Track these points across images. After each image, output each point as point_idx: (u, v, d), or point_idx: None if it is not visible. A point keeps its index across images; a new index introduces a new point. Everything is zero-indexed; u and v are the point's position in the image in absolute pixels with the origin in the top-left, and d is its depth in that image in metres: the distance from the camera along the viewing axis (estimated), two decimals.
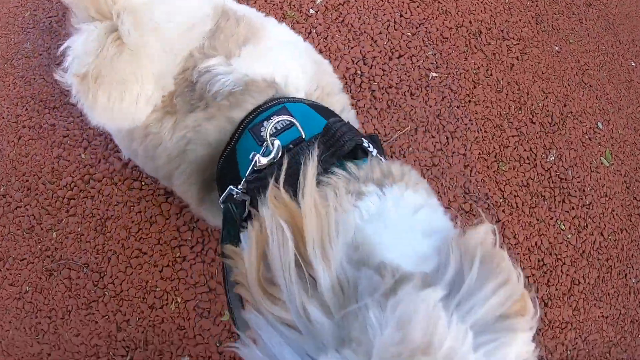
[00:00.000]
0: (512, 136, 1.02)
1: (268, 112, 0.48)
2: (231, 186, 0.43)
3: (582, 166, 1.12)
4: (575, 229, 1.04)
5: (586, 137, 1.17)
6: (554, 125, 1.10)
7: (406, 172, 0.41)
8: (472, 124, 0.97)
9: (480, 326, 0.29)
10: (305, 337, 0.28)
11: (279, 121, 0.45)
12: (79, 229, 0.94)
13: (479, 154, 0.95)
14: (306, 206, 0.29)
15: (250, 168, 0.43)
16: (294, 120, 0.45)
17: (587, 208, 1.08)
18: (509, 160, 1.00)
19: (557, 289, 0.98)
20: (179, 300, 0.84)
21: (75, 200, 0.96)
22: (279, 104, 0.49)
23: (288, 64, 0.55)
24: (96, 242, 0.91)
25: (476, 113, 0.99)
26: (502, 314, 0.30)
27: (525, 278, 0.99)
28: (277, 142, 0.43)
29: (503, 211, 0.96)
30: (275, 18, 0.62)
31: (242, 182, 0.43)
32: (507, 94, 1.08)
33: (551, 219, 1.00)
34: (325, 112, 0.51)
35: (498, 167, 0.98)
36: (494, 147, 0.99)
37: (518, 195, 0.98)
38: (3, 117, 1.08)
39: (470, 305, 0.29)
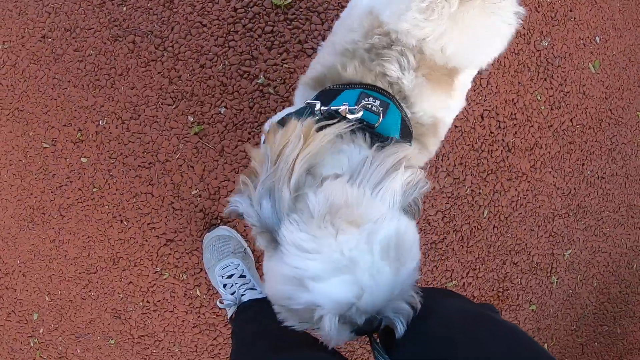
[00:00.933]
0: None
1: (378, 95, 0.66)
2: (318, 102, 0.64)
3: (570, 62, 1.42)
4: (549, 104, 1.35)
5: (581, 42, 1.46)
6: (555, 20, 1.39)
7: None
8: None
9: (375, 184, 0.52)
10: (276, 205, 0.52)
11: (374, 106, 0.64)
12: (148, 5, 1.24)
13: None
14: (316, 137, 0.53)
15: (335, 108, 0.63)
16: (381, 116, 0.64)
17: (564, 94, 1.39)
18: None
19: (521, 142, 1.30)
20: (227, 62, 1.15)
21: None
22: (389, 99, 0.66)
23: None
24: (162, 15, 1.21)
25: None
26: (387, 171, 0.52)
27: (497, 122, 1.31)
28: (360, 114, 0.63)
29: (492, 64, 1.26)
30: None
31: (325, 109, 0.63)
32: None
33: (531, 87, 1.31)
34: (406, 133, 0.68)
35: None
36: None
37: (507, 58, 1.28)
38: None
39: (367, 178, 0.52)
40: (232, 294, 1.05)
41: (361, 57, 0.69)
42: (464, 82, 0.80)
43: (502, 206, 1.26)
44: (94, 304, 1.29)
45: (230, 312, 1.06)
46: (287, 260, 0.50)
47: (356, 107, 0.64)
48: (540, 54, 1.35)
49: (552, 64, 1.37)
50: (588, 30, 1.48)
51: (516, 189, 1.28)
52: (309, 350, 0.73)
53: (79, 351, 1.34)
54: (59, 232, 1.29)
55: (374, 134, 0.63)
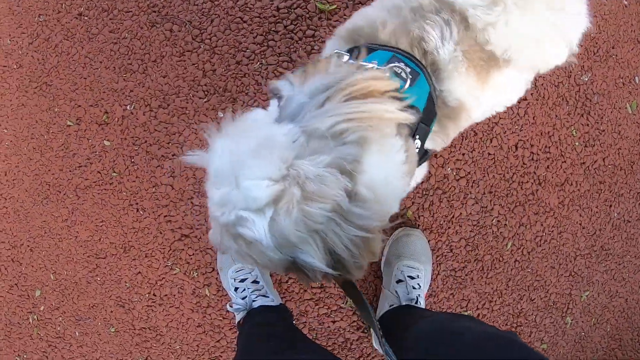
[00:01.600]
0: None
1: (410, 62, 0.63)
2: (347, 55, 0.60)
3: (608, 100, 1.38)
4: (584, 141, 1.31)
5: (620, 81, 1.43)
6: (597, 56, 1.36)
7: None
8: None
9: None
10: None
11: (404, 71, 0.62)
12: None
13: None
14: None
15: (363, 63, 0.59)
16: (407, 84, 0.61)
17: (599, 132, 1.35)
18: None
19: (552, 177, 1.26)
20: (264, 62, 1.12)
21: None
22: (420, 69, 0.63)
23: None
24: (203, 6, 1.19)
25: None
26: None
27: (530, 154, 1.27)
28: (388, 74, 0.59)
29: (531, 94, 1.22)
30: None
31: (352, 62, 0.58)
32: None
33: (567, 121, 1.27)
34: (430, 109, 0.65)
35: None
36: None
37: (547, 90, 1.24)
38: None
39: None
40: (242, 298, 1.02)
41: (404, 16, 0.65)
42: (501, 83, 0.72)
43: (526, 240, 1.22)
44: (99, 290, 1.27)
45: (239, 317, 1.03)
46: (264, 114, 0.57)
47: (384, 67, 0.60)
48: (579, 89, 1.32)
49: (590, 100, 1.33)
50: (628, 69, 1.44)
51: (542, 224, 1.24)
52: (315, 353, 0.71)
53: (77, 334, 1.31)
54: (72, 212, 1.27)
55: None
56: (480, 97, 0.70)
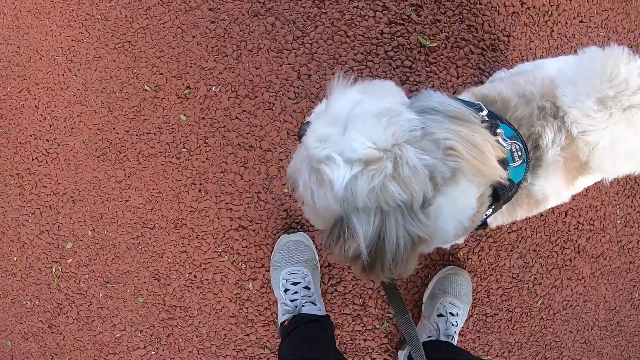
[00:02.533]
0: None
1: (524, 150, 0.76)
2: (486, 110, 0.73)
3: None
4: (624, 221, 1.47)
5: None
6: None
7: None
8: None
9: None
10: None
11: (518, 153, 0.75)
12: None
13: None
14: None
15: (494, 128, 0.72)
16: (516, 164, 0.75)
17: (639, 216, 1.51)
18: None
19: (590, 249, 1.41)
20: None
21: None
22: (527, 161, 0.76)
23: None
24: (310, 10, 1.28)
25: None
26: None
27: (577, 223, 1.40)
28: (508, 148, 0.73)
29: None
30: None
31: (486, 120, 0.71)
32: None
33: (614, 200, 1.42)
34: (512, 194, 0.78)
35: None
36: None
37: None
38: None
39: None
40: (292, 301, 1.12)
41: (532, 109, 0.80)
42: (582, 184, 0.91)
43: (555, 302, 1.36)
44: (137, 258, 1.35)
45: (283, 317, 1.13)
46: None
47: (508, 140, 0.74)
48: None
49: (638, 184, 1.49)
50: None
51: (572, 290, 1.38)
52: None
53: (101, 295, 1.39)
54: (128, 176, 1.35)
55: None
56: (562, 195, 0.87)
